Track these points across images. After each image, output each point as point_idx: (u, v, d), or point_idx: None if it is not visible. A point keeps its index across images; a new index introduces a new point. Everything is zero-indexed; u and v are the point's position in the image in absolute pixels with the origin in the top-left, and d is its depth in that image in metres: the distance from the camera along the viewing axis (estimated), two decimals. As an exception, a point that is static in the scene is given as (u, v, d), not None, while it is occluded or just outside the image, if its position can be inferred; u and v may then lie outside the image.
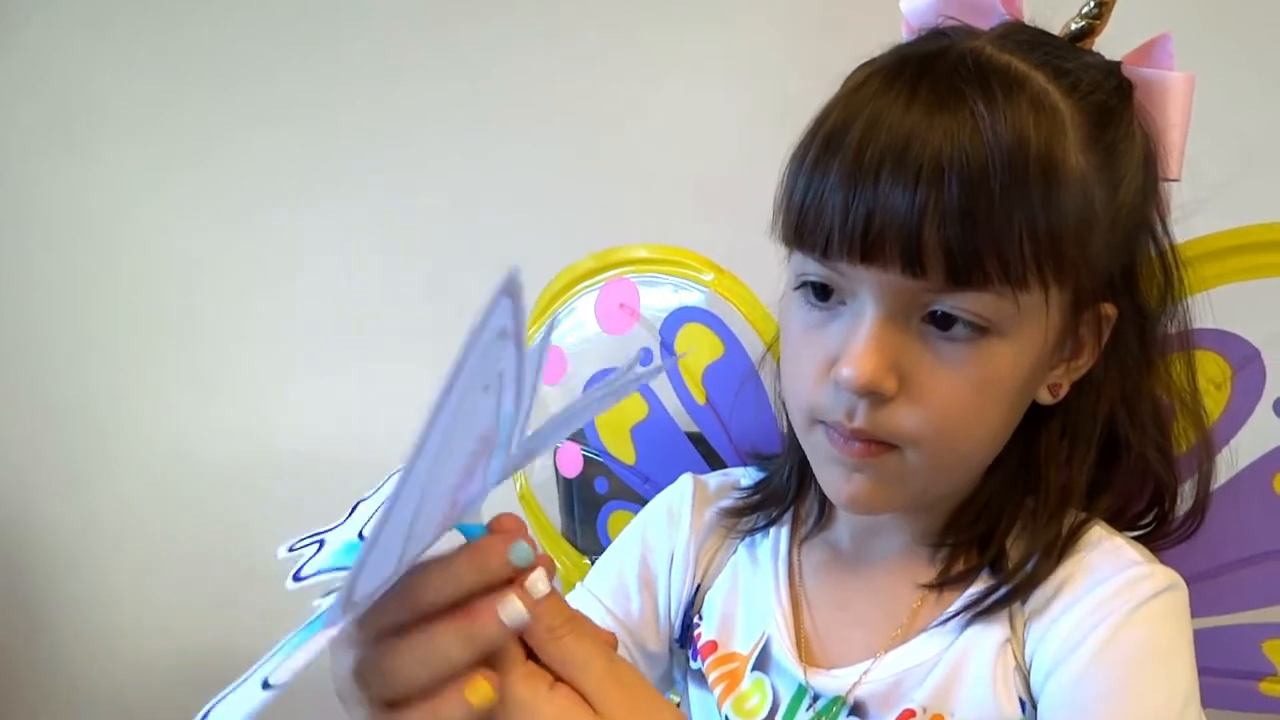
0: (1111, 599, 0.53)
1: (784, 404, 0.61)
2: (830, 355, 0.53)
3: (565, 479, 0.89)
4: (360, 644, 0.38)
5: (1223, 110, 0.68)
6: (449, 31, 1.05)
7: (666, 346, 0.84)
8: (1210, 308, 0.62)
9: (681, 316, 0.84)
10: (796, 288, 0.56)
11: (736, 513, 0.68)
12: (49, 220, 1.23)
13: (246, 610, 1.17)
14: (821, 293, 0.54)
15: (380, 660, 0.37)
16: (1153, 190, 0.57)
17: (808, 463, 0.60)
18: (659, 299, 0.85)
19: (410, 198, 1.09)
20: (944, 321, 0.51)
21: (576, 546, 0.91)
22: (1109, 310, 0.56)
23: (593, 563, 0.88)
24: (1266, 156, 0.74)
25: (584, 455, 0.89)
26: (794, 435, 0.61)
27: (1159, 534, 0.61)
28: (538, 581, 0.38)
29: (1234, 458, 0.62)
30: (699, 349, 0.83)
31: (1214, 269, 0.62)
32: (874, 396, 0.51)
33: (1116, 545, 0.57)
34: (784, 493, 0.67)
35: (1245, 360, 0.61)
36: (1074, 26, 0.57)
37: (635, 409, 0.86)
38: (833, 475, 0.56)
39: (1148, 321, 0.59)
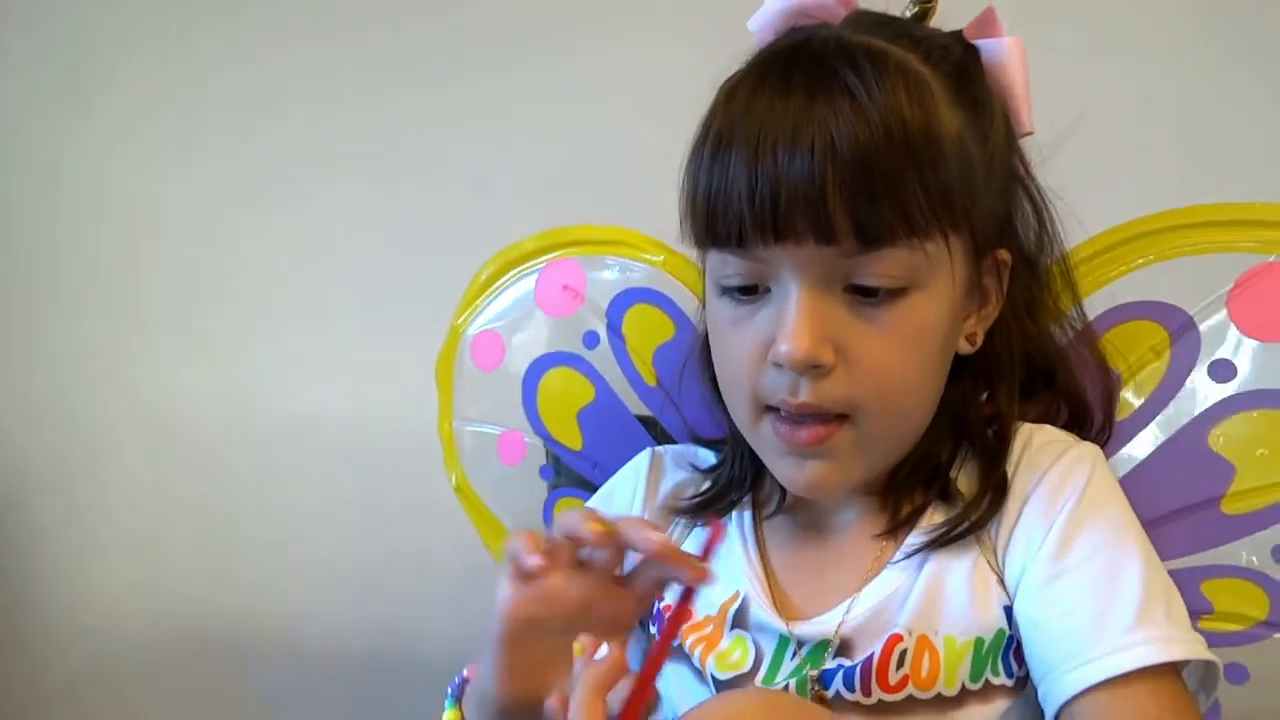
0: (1058, 492, 0.58)
1: (724, 402, 0.63)
2: (764, 340, 0.55)
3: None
4: None
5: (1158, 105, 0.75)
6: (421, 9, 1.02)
7: (613, 328, 0.83)
8: (1151, 281, 0.68)
9: (630, 297, 0.83)
10: (720, 295, 0.58)
11: (696, 508, 0.68)
12: (43, 179, 1.14)
13: (240, 577, 1.13)
14: (743, 290, 0.57)
15: None
16: (1014, 141, 0.63)
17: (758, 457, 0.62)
18: (607, 280, 0.83)
19: (385, 181, 1.06)
20: (865, 289, 0.54)
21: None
22: (1004, 255, 0.61)
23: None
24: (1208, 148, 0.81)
25: (527, 442, 0.86)
26: (736, 430, 0.62)
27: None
28: None
29: (1174, 417, 0.67)
30: (650, 330, 0.83)
31: (1155, 246, 0.67)
32: (814, 370, 0.54)
33: (1045, 437, 0.62)
34: (741, 482, 0.68)
35: (1182, 329, 0.67)
36: (909, 13, 0.63)
37: (581, 392, 0.84)
38: (787, 466, 0.59)
39: (1030, 260, 0.64)
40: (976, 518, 0.59)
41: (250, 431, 1.10)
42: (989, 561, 0.59)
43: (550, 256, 0.85)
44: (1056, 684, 0.53)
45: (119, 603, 1.15)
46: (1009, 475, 0.60)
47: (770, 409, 0.57)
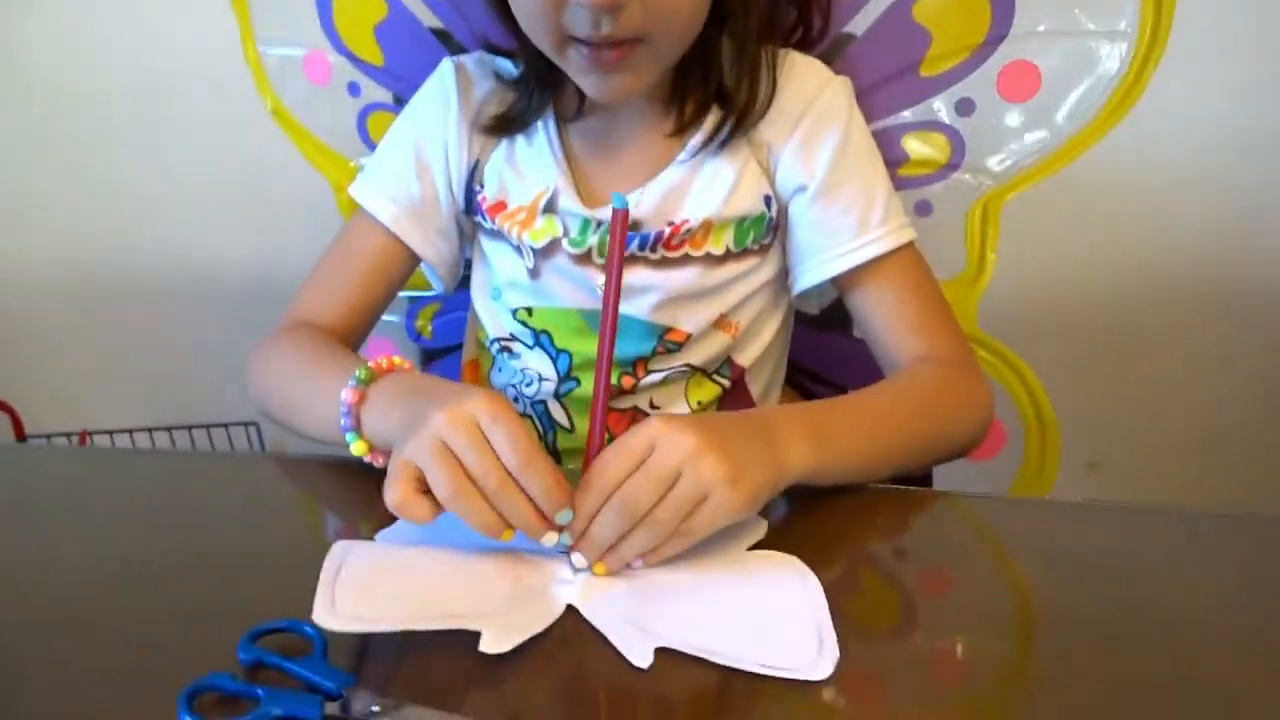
0: (828, 114, 0.70)
1: (511, 22, 0.66)
2: None
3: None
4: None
5: None
6: None
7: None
8: None
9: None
10: None
11: (504, 121, 0.75)
12: None
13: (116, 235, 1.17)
14: None
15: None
16: None
17: (555, 66, 0.67)
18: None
19: None
20: None
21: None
22: None
23: (362, 166, 0.94)
24: None
25: (330, 61, 0.91)
26: (532, 47, 0.66)
27: (805, 42, 0.78)
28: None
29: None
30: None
31: None
32: (614, 7, 0.58)
33: (808, 61, 0.73)
34: (543, 95, 0.74)
35: (893, -88, 0.75)
36: None
37: (374, 8, 0.88)
38: (593, 81, 0.65)
39: None
40: (741, 117, 0.70)
41: (89, 92, 1.07)
42: (759, 161, 0.71)
43: None
44: (829, 261, 0.71)
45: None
46: (775, 84, 0.70)
47: (573, 37, 0.62)
